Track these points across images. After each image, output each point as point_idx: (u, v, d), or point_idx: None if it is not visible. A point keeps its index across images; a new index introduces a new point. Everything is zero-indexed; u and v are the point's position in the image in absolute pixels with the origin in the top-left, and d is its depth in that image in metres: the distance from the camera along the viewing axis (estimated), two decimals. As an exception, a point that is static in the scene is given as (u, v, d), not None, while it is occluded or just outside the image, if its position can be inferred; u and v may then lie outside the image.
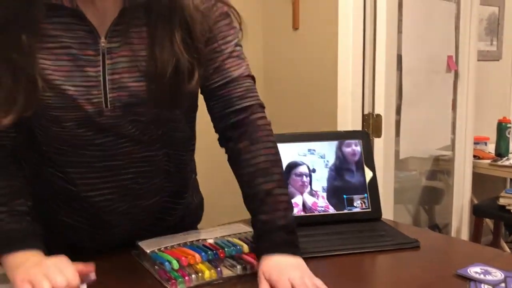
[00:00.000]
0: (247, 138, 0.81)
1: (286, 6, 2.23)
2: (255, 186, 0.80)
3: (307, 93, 2.21)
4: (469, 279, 0.78)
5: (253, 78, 0.85)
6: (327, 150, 1.09)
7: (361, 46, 2.05)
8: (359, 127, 2.04)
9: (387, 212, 2.06)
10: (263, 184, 0.80)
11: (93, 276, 0.74)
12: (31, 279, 0.66)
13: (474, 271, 0.80)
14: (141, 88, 0.74)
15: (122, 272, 0.83)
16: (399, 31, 2.16)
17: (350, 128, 1.99)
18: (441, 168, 2.84)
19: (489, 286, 0.75)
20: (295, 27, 2.22)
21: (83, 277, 0.72)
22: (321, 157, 1.09)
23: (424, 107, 2.42)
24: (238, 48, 0.82)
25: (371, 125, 2.06)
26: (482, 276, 0.78)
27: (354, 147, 1.10)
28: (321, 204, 1.06)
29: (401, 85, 2.27)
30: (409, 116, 2.30)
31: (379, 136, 2.04)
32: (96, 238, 0.90)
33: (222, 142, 0.87)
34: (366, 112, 2.07)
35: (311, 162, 1.08)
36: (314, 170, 1.08)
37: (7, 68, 0.68)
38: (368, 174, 1.10)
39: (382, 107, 2.06)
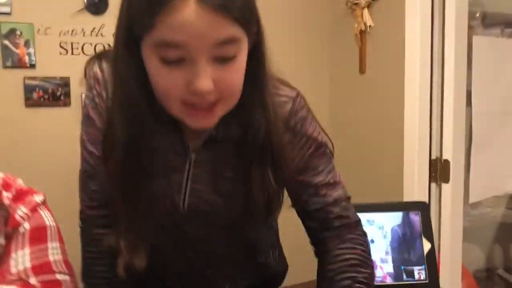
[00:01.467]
0: (338, 238, 0.84)
1: (353, 50, 2.29)
2: (339, 281, 0.80)
3: (373, 137, 2.24)
4: None
5: (348, 198, 0.87)
6: (386, 221, 1.14)
7: (428, 89, 2.06)
8: (426, 173, 2.05)
9: (456, 255, 2.04)
10: (346, 281, 0.79)
11: None
12: None
13: None
14: (218, 202, 0.81)
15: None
16: (469, 68, 2.14)
17: (416, 175, 2.01)
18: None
19: None
20: (362, 71, 2.28)
21: None
22: (380, 228, 1.14)
23: (497, 148, 2.36)
24: (330, 175, 0.84)
25: (438, 171, 2.05)
26: None
27: (414, 218, 1.15)
28: (379, 274, 1.11)
29: (471, 126, 2.24)
30: (480, 159, 2.26)
31: (447, 181, 2.03)
32: None
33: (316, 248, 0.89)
34: (433, 157, 2.07)
35: (370, 233, 1.13)
36: (372, 241, 1.13)
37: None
38: (427, 245, 1.13)
39: (451, 151, 2.05)
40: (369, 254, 0.85)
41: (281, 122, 0.77)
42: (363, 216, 1.13)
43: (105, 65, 0.80)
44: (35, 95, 1.79)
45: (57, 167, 1.85)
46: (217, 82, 0.66)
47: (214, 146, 0.79)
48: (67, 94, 1.85)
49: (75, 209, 0.96)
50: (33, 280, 0.88)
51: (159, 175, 0.80)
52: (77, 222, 0.95)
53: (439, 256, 1.96)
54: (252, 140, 0.74)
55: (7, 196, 0.95)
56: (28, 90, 1.79)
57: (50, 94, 1.81)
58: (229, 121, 0.75)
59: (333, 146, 0.85)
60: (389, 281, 1.11)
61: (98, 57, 0.82)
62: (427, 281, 1.11)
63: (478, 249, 2.70)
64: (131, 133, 0.73)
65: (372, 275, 0.83)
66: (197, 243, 0.88)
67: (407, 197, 2.06)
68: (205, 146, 0.80)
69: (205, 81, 0.64)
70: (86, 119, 0.84)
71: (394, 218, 1.15)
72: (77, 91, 1.86)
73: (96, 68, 0.81)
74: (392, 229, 1.14)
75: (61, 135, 1.85)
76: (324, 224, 0.84)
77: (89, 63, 0.82)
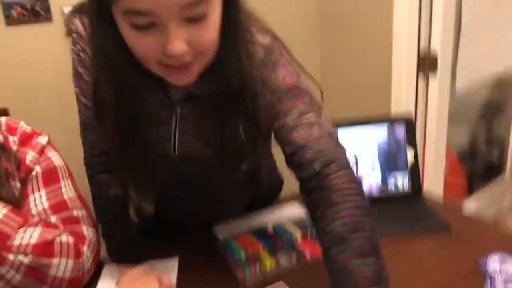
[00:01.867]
0: (322, 203, 0.75)
1: None
2: (330, 257, 0.71)
3: (361, 38, 2.22)
4: (487, 272, 0.93)
5: (331, 135, 0.79)
6: (372, 134, 1.21)
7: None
8: (414, 67, 2.07)
9: (440, 158, 2.16)
10: (339, 255, 0.70)
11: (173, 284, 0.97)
12: None
13: (492, 262, 0.94)
14: (205, 151, 0.86)
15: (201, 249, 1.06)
16: None
17: (404, 69, 2.03)
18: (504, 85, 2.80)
19: (502, 282, 0.90)
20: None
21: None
22: (366, 141, 1.21)
23: (488, 30, 2.35)
24: (305, 116, 0.78)
25: (426, 64, 2.08)
26: (498, 268, 0.93)
27: (398, 131, 1.21)
28: (365, 186, 1.20)
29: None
30: (469, 44, 2.26)
31: (434, 72, 2.07)
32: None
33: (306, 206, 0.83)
34: (422, 48, 2.08)
35: (357, 147, 1.21)
36: (359, 155, 1.21)
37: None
38: (410, 156, 1.21)
39: (439, 41, 2.04)
40: (363, 203, 0.75)
41: (255, 72, 0.76)
42: (350, 130, 1.20)
43: (85, 20, 0.79)
44: (14, 13, 1.73)
45: (45, 85, 1.85)
46: (191, 42, 0.66)
47: (194, 101, 0.82)
48: (48, 9, 1.79)
49: (69, 121, 1.00)
50: (53, 219, 0.96)
51: (150, 126, 0.84)
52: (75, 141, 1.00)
53: (423, 165, 2.07)
54: (226, 94, 0.75)
55: (13, 140, 1.00)
56: (6, 7, 1.72)
57: (30, 11, 1.75)
58: (206, 77, 0.76)
59: (321, 90, 0.85)
60: (375, 191, 1.21)
61: (79, 11, 0.81)
62: (411, 191, 1.21)
63: (463, 130, 2.82)
64: (118, 92, 0.75)
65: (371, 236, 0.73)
66: (194, 181, 0.96)
67: (395, 101, 2.12)
68: (187, 101, 0.83)
69: (178, 44, 0.64)
70: (76, 73, 0.86)
71: (380, 131, 1.21)
72: (57, 5, 1.80)
73: (78, 23, 0.81)
74: (378, 142, 1.21)
75: (46, 52, 1.82)
76: (299, 171, 0.78)
77: (70, 17, 0.81)
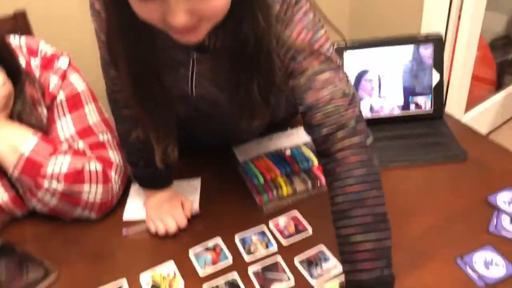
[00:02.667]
0: (330, 174, 0.77)
1: None
2: (336, 229, 0.76)
3: None
4: (495, 207, 0.96)
5: (343, 95, 0.76)
6: (399, 54, 1.16)
7: None
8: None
9: (465, 78, 2.05)
10: (342, 229, 0.74)
11: (197, 208, 1.03)
12: (153, 220, 0.98)
13: (502, 199, 0.97)
14: (220, 96, 0.85)
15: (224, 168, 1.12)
16: None
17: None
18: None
19: (508, 218, 0.93)
20: None
21: (190, 212, 1.01)
22: (392, 62, 1.17)
23: None
24: (319, 77, 0.75)
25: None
26: (507, 206, 0.96)
27: (425, 52, 1.16)
28: (388, 106, 1.19)
29: None
30: None
31: None
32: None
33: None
34: None
35: (382, 66, 1.17)
36: (383, 75, 1.18)
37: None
38: (436, 77, 1.18)
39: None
40: (368, 176, 0.74)
41: (270, 29, 0.72)
42: (376, 50, 1.16)
43: None
44: None
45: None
46: (194, 12, 0.62)
47: (208, 52, 0.80)
48: None
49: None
50: (81, 144, 1.01)
51: (169, 69, 0.83)
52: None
53: (447, 88, 1.97)
54: (240, 48, 0.72)
55: (35, 64, 1.00)
56: None
57: None
58: (219, 31, 0.72)
59: (344, 39, 0.80)
60: (396, 112, 1.20)
61: None
62: (432, 111, 1.20)
63: (498, 18, 2.65)
64: (131, 39, 0.72)
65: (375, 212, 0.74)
66: (212, 116, 0.97)
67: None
68: (201, 51, 0.81)
69: (178, 16, 0.61)
70: (93, 10, 0.83)
71: (406, 52, 1.17)
72: None
73: None
74: (404, 62, 1.17)
75: None
76: (311, 132, 0.78)
77: None
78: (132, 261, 0.93)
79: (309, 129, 0.79)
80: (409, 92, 1.19)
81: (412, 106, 1.20)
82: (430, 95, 1.19)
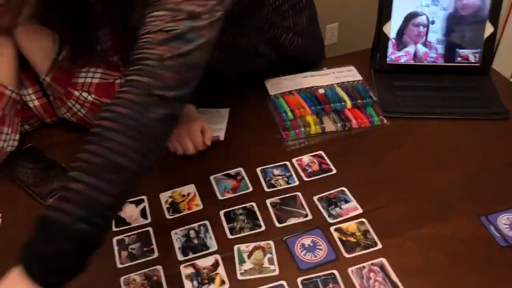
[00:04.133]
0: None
1: None
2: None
3: None
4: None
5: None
6: (451, 1, 1.09)
7: None
8: None
9: None
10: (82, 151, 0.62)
11: (221, 137, 1.01)
12: (171, 141, 0.96)
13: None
14: None
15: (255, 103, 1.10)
16: None
17: None
18: None
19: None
20: None
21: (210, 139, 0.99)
22: (444, 9, 1.10)
23: None
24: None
25: None
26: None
27: (482, 2, 1.08)
28: (432, 55, 1.13)
29: None
30: None
31: None
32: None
33: None
34: None
35: (432, 13, 1.10)
36: (433, 22, 1.11)
37: None
38: (489, 29, 1.10)
39: None
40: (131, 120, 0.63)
41: None
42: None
43: None
44: None
45: None
46: None
47: None
48: None
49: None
50: (115, 58, 1.00)
51: None
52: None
53: (498, 43, 1.85)
54: None
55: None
56: None
57: None
58: None
59: None
60: (440, 61, 1.14)
61: None
62: (479, 64, 1.13)
63: None
64: None
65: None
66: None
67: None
68: None
69: None
70: None
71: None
72: None
73: None
74: (456, 11, 1.10)
75: None
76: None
77: None
78: (153, 180, 0.94)
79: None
80: (457, 42, 1.12)
81: (459, 58, 1.13)
82: (479, 48, 1.12)
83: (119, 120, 0.62)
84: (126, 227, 0.85)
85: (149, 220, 0.86)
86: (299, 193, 0.89)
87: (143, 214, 0.87)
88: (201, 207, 0.88)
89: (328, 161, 0.95)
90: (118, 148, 0.61)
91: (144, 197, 0.90)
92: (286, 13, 1.04)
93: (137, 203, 0.89)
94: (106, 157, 0.60)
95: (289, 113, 1.03)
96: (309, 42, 1.13)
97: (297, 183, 0.91)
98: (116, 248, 0.81)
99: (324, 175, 0.93)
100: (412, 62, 1.14)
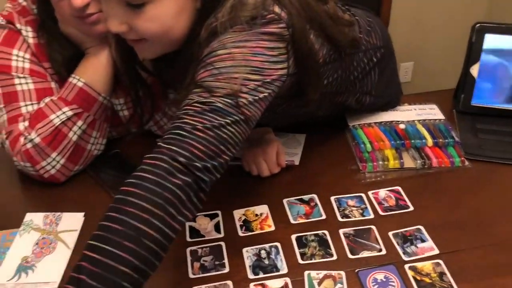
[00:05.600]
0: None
1: None
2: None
3: None
4: None
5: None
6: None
7: None
8: None
9: None
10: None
11: (296, 162, 1.02)
12: (248, 162, 1.00)
13: None
14: None
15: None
16: None
17: None
18: None
19: None
20: None
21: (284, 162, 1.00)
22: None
23: None
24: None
25: None
26: None
27: None
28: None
29: None
30: None
31: None
32: None
33: None
34: None
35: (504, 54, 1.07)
36: (503, 65, 1.08)
37: None
38: None
39: None
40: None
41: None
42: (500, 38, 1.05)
43: None
44: None
45: None
46: (131, 26, 0.74)
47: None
48: None
49: None
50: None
51: None
52: None
53: None
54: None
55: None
56: None
57: None
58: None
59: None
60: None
61: None
62: None
63: None
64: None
65: None
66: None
67: None
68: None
69: (112, 22, 0.74)
70: None
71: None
72: None
73: None
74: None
75: None
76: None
77: None
78: (228, 197, 0.96)
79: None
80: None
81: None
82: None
83: (141, 185, 0.62)
84: (200, 239, 0.87)
85: (222, 235, 0.88)
86: (373, 227, 0.87)
87: (216, 228, 0.89)
88: (273, 228, 0.88)
89: (405, 197, 0.94)
90: (139, 214, 0.60)
91: (218, 211, 0.92)
92: (355, 80, 1.00)
93: (212, 217, 0.91)
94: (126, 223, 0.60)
95: (368, 145, 1.02)
96: (380, 95, 1.09)
97: (372, 216, 0.90)
98: (189, 259, 0.83)
99: (401, 211, 0.91)
100: (497, 106, 1.11)
